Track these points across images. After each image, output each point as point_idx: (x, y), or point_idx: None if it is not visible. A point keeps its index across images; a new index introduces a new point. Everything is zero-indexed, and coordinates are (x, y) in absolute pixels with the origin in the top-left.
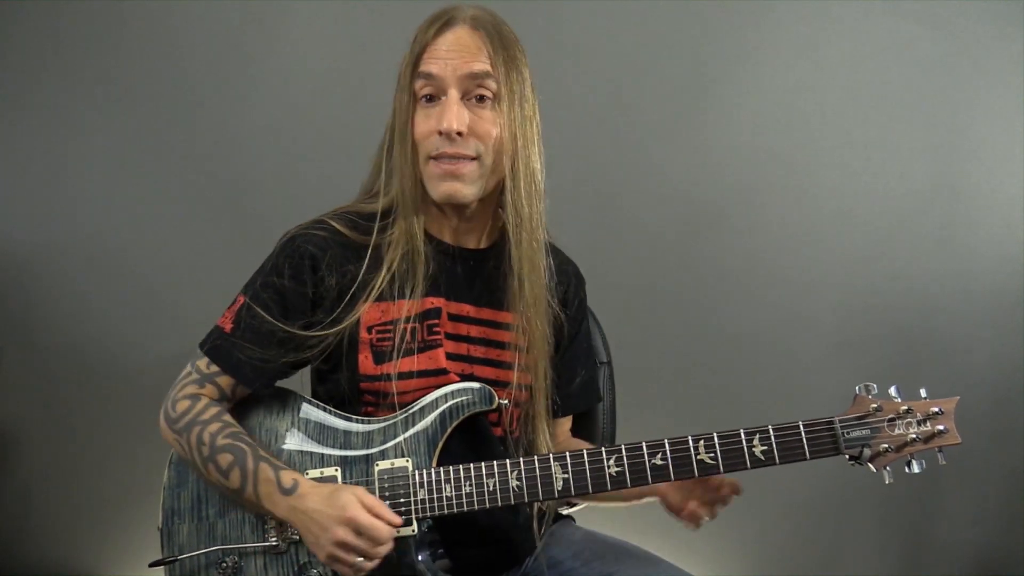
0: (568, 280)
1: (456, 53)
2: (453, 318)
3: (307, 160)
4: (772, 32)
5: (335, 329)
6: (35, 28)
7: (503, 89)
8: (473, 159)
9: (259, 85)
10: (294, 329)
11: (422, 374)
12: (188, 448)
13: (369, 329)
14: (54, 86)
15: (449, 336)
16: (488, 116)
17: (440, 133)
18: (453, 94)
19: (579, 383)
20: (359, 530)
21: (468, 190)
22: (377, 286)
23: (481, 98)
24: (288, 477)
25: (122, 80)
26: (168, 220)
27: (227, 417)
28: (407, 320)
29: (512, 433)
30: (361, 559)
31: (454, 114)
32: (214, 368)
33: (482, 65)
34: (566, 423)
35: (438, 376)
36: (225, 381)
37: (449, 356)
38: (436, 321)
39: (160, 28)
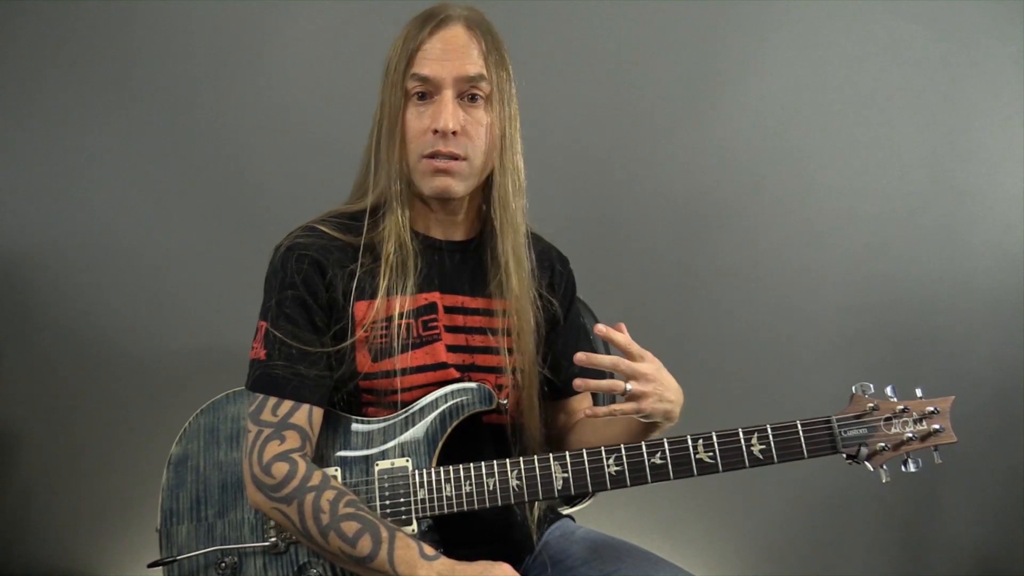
0: (551, 265)
1: (452, 55)
2: (450, 310)
3: (309, 159)
4: (773, 32)
5: (358, 334)
6: (40, 28)
7: (494, 90)
8: (464, 159)
9: (262, 86)
10: (326, 337)
11: (421, 369)
12: (298, 515)
13: (364, 327)
14: (56, 86)
15: (448, 328)
16: (479, 116)
17: (435, 132)
18: (448, 94)
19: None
20: None
21: (459, 186)
22: (383, 283)
23: (473, 97)
24: (428, 548)
25: (123, 80)
26: (169, 220)
27: (336, 483)
28: (401, 316)
29: (511, 413)
30: None
31: (450, 114)
32: (282, 411)
33: (476, 68)
34: (582, 400)
35: (437, 371)
36: (299, 417)
37: (449, 348)
38: (433, 316)
39: (165, 29)
